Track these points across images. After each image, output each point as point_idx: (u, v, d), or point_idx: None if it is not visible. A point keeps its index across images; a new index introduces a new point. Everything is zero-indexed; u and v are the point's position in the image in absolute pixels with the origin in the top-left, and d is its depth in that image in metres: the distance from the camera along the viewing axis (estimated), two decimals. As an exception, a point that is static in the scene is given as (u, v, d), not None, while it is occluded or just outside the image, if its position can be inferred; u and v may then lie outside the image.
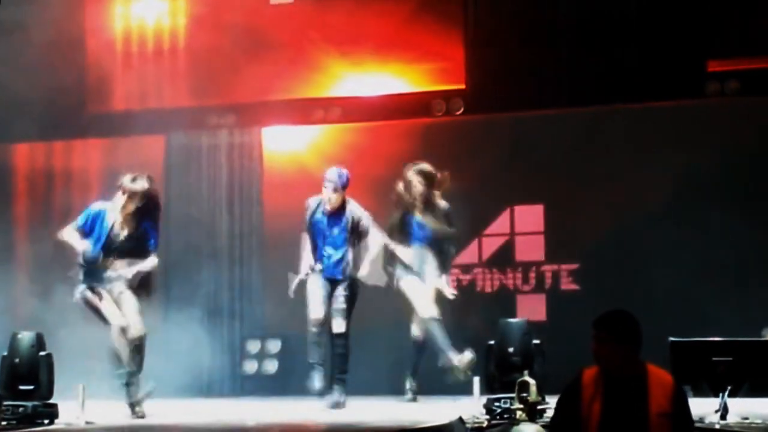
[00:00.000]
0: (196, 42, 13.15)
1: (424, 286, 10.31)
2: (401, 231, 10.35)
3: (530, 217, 12.34)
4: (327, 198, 9.93)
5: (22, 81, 12.19)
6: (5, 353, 9.10)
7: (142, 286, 9.49)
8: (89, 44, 13.42)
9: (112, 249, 9.41)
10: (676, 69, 11.87)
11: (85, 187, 13.04)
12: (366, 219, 10.03)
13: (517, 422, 7.75)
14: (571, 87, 12.14)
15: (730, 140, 11.77)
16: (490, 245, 12.38)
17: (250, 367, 12.59)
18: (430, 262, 10.37)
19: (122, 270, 9.40)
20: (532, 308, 11.80)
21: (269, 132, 13.23)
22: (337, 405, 9.73)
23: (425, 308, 10.21)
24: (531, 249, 12.27)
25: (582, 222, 12.05)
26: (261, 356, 12.69)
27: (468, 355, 9.91)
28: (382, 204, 10.59)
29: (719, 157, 11.75)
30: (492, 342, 9.04)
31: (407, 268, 10.33)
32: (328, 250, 9.99)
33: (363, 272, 9.99)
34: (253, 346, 12.71)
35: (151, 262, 9.48)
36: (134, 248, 9.45)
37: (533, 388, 7.87)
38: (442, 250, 10.43)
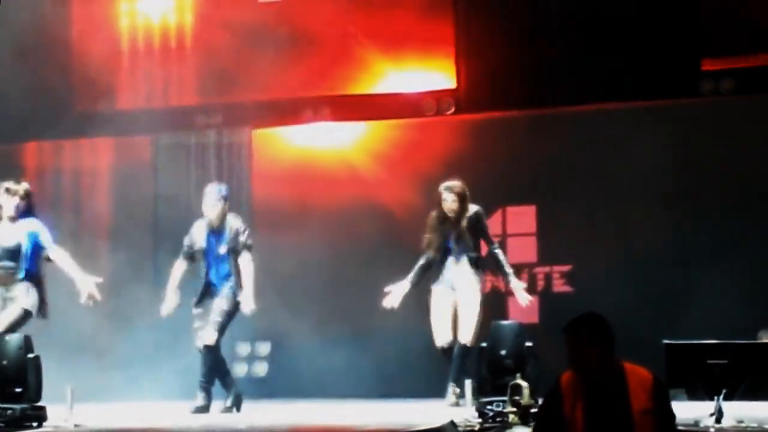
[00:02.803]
0: (190, 40, 13.09)
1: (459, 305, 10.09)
2: (439, 249, 10.12)
3: (522, 218, 12.29)
4: None
5: (6, 79, 12.14)
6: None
7: None
8: (76, 42, 13.33)
9: None
10: (671, 68, 11.84)
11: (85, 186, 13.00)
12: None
13: (510, 425, 7.73)
14: (563, 86, 12.09)
15: (725, 139, 11.72)
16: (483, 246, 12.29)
17: (240, 369, 12.51)
18: (467, 279, 10.12)
19: None
20: (524, 310, 11.74)
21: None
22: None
23: (443, 336, 10.01)
24: (523, 250, 12.21)
25: (574, 223, 11.99)
26: (251, 359, 12.63)
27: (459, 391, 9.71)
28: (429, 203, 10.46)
29: (714, 156, 11.72)
30: (484, 344, 9.00)
31: (445, 286, 10.12)
32: None
33: None
34: (243, 349, 12.64)
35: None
36: None
37: (526, 391, 7.81)
38: (479, 264, 10.21)
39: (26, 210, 9.51)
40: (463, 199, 10.04)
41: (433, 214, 10.15)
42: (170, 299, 10.04)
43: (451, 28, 12.53)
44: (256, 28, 12.76)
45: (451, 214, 10.03)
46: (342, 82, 12.84)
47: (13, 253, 9.43)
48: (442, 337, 10.04)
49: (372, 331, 11.69)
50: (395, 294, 10.11)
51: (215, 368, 9.89)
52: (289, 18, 12.84)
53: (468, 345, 9.88)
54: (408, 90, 12.66)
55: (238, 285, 9.89)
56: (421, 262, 10.16)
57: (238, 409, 9.93)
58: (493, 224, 12.16)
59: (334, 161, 12.83)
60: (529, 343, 8.84)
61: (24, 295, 9.38)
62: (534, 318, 11.89)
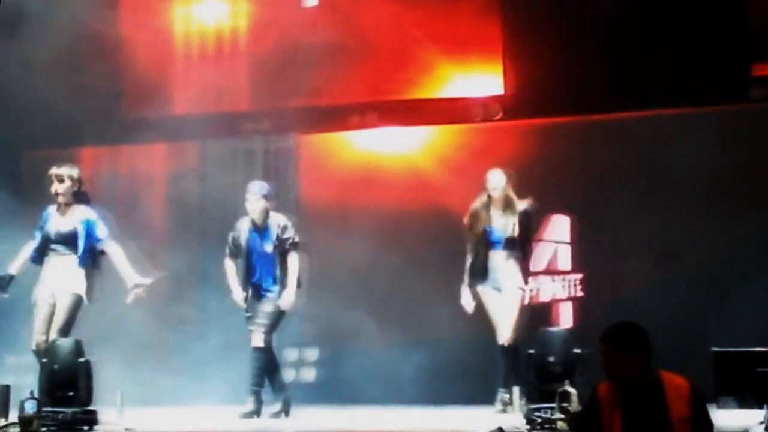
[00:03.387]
0: (243, 46, 13.17)
1: (503, 305, 9.96)
2: (481, 240, 10.00)
3: (562, 225, 12.23)
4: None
5: (55, 86, 12.25)
6: (45, 360, 9.13)
7: None
8: (124, 47, 13.42)
9: None
10: (720, 73, 11.69)
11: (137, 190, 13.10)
12: None
13: (558, 432, 7.74)
14: (609, 92, 11.96)
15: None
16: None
17: (289, 375, 12.54)
18: (510, 271, 10.00)
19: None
20: (572, 317, 11.74)
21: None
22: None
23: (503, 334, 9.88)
24: (563, 258, 12.16)
25: (615, 231, 11.89)
26: (299, 365, 12.65)
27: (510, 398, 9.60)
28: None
29: (762, 164, 11.60)
30: (532, 351, 9.00)
31: (488, 281, 10.02)
32: None
33: None
34: (292, 355, 12.66)
35: None
36: None
37: (574, 398, 7.82)
38: (525, 253, 10.12)
39: (79, 195, 9.68)
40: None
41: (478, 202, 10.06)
42: (237, 290, 10.03)
43: (498, 33, 12.51)
44: (304, 33, 12.81)
45: (496, 206, 9.93)
46: (388, 88, 12.84)
47: (68, 239, 9.58)
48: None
49: (422, 337, 11.68)
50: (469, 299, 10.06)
51: (265, 371, 9.88)
52: (336, 24, 12.85)
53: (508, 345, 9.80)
54: (455, 95, 12.65)
55: (283, 284, 9.91)
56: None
57: (287, 414, 9.94)
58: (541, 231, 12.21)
59: (385, 165, 12.77)
60: (577, 350, 8.84)
61: (77, 281, 9.51)
62: (583, 325, 11.82)
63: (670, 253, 11.68)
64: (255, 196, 9.97)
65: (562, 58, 12.01)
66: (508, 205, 9.96)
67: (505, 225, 9.95)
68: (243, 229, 10.01)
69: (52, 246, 9.61)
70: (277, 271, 9.92)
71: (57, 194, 9.63)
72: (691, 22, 11.81)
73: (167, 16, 13.48)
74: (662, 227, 11.77)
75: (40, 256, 9.66)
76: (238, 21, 13.39)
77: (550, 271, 12.16)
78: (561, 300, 12.13)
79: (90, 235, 9.60)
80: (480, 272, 9.96)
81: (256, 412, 9.80)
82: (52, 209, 9.70)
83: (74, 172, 9.70)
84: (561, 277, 12.14)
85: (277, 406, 9.92)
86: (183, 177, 13.25)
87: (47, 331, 9.42)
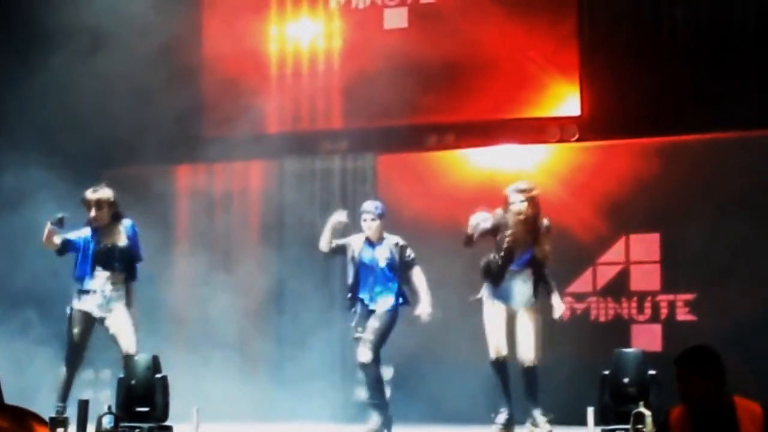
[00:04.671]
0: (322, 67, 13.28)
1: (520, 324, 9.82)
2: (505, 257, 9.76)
3: (646, 245, 12.16)
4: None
5: (138, 104, 12.44)
6: (122, 375, 9.25)
7: None
8: (206, 67, 13.58)
9: None
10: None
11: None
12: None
13: (633, 454, 7.69)
14: (690, 113, 11.87)
15: None
16: (605, 274, 12.24)
17: (361, 393, 12.57)
18: (524, 289, 9.81)
19: None
20: (647, 339, 11.64)
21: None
22: None
23: (497, 349, 9.72)
24: (647, 278, 12.09)
25: (699, 251, 11.78)
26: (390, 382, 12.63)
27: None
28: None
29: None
30: (606, 372, 8.96)
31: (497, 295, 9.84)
32: None
33: None
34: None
35: None
36: None
37: (649, 420, 7.80)
38: (542, 275, 9.83)
39: (117, 216, 9.84)
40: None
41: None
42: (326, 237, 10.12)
43: (575, 54, 12.48)
44: (384, 54, 12.87)
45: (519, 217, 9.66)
46: (465, 107, 12.85)
47: (113, 257, 9.77)
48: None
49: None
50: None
51: (375, 385, 9.87)
52: (413, 45, 12.89)
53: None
54: (531, 116, 12.63)
55: (404, 300, 9.97)
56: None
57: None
58: (617, 251, 12.12)
59: (464, 184, 12.72)
60: (652, 371, 8.79)
61: (126, 296, 9.77)
62: (657, 347, 11.75)
63: (749, 273, 11.56)
64: (370, 215, 10.06)
65: (638, 79, 11.96)
66: (530, 223, 9.74)
67: (524, 243, 9.85)
68: (356, 244, 10.07)
69: (96, 264, 9.76)
70: (390, 289, 9.93)
71: (96, 219, 9.79)
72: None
73: (248, 35, 13.60)
74: (746, 247, 11.62)
75: (82, 274, 9.78)
76: (321, 41, 13.48)
77: (634, 292, 12.09)
78: (642, 321, 12.06)
79: (131, 251, 9.80)
80: (503, 289, 9.83)
81: (386, 426, 9.80)
82: (87, 230, 9.85)
83: (110, 194, 9.85)
84: (647, 297, 12.06)
85: (378, 423, 9.84)
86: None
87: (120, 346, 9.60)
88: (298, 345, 12.15)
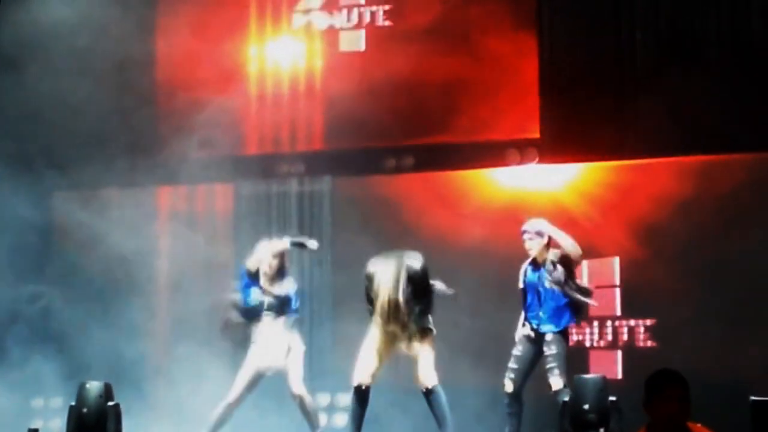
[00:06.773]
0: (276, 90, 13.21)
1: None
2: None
3: (604, 269, 12.10)
4: None
5: (93, 125, 12.30)
6: (73, 403, 9.07)
7: None
8: (160, 90, 13.46)
9: None
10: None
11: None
12: None
13: (594, 481, 7.63)
14: (651, 136, 11.83)
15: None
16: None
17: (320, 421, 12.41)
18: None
19: None
20: (606, 365, 11.59)
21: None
22: None
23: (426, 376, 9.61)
24: (605, 303, 11.99)
25: (659, 276, 11.73)
26: (331, 409, 12.52)
27: None
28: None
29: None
30: (566, 399, 8.88)
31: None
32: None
33: None
34: (323, 399, 12.54)
35: None
36: None
37: (610, 447, 7.71)
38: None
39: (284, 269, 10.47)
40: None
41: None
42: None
43: (535, 75, 12.42)
44: (339, 76, 12.81)
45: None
46: (425, 130, 12.77)
47: (282, 305, 10.37)
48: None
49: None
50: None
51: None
52: (372, 66, 12.81)
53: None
54: (490, 138, 12.55)
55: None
56: None
57: None
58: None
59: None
60: (612, 398, 8.72)
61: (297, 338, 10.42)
62: (616, 374, 11.68)
63: (711, 298, 11.50)
64: (530, 235, 9.93)
65: (596, 102, 11.92)
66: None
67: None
68: (524, 267, 9.96)
69: (265, 311, 10.28)
70: (559, 308, 9.82)
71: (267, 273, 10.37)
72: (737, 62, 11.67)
73: (204, 57, 13.47)
74: (706, 274, 11.56)
75: (249, 319, 10.33)
76: (278, 64, 13.42)
77: (592, 317, 12.01)
78: (604, 348, 12.00)
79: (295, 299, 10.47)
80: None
81: None
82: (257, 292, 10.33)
83: (277, 248, 10.43)
84: (606, 323, 12.00)
85: None
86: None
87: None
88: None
